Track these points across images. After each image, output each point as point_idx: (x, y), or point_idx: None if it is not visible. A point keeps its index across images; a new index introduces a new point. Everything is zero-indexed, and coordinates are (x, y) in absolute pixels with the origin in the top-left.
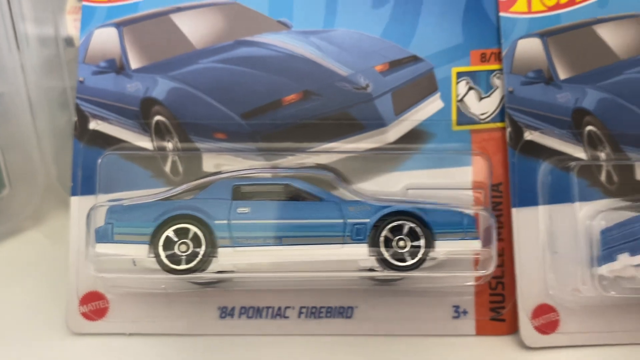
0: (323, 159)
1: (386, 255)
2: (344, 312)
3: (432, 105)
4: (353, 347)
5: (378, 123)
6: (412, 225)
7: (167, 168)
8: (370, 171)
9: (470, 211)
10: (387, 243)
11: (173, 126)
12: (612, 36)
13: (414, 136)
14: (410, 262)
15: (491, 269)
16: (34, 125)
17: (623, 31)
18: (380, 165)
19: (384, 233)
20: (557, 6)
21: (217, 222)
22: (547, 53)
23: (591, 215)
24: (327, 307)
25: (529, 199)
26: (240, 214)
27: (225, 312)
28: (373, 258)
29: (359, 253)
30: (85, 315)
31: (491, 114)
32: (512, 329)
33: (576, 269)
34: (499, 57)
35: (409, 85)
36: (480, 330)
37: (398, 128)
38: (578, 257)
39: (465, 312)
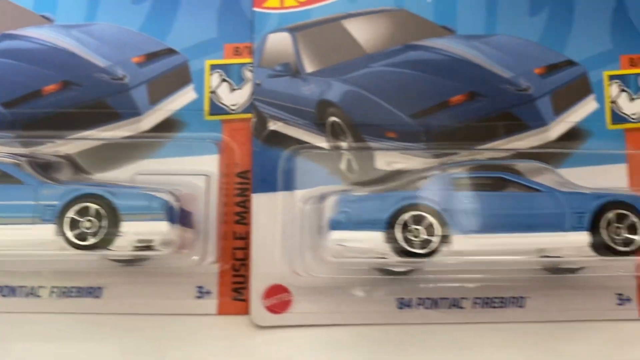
0: (79, 147)
1: (69, 235)
2: (94, 292)
3: (186, 96)
4: (102, 326)
5: (133, 112)
6: (97, 206)
7: None
8: (123, 159)
9: (161, 195)
10: (75, 224)
11: None
12: (360, 31)
13: (168, 125)
14: (91, 241)
15: (172, 249)
16: None
17: (371, 26)
18: (134, 153)
19: (70, 214)
20: (309, 2)
21: None
22: (295, 47)
23: (317, 200)
24: (77, 287)
25: (268, 186)
26: None
27: None
28: (60, 238)
29: (47, 233)
30: None
31: (242, 105)
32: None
33: (301, 252)
34: (251, 51)
35: (164, 76)
36: (222, 310)
37: (152, 117)
38: (304, 240)
39: (208, 293)
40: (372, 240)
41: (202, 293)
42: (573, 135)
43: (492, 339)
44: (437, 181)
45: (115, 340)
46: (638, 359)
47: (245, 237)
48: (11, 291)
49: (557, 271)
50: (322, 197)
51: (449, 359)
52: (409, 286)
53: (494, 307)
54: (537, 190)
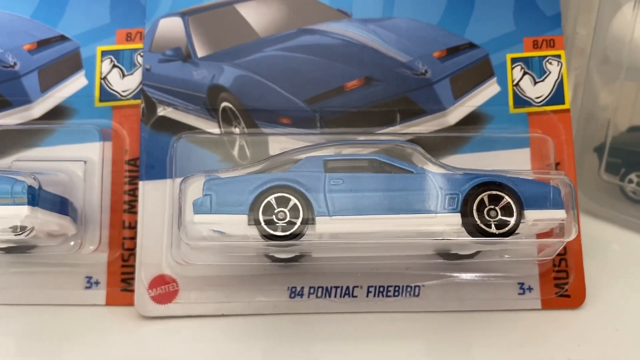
0: None
1: None
2: None
3: (76, 83)
4: None
5: (24, 100)
6: None
7: None
8: (12, 147)
9: (24, 179)
10: None
11: None
12: (253, 14)
13: (59, 112)
14: None
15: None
16: None
17: (265, 9)
18: (25, 140)
19: None
20: None
21: None
22: (187, 32)
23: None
24: None
25: (157, 173)
26: None
27: None
28: None
29: None
30: None
31: (133, 90)
32: None
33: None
34: (143, 37)
35: (55, 63)
36: (110, 301)
37: (43, 104)
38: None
39: (97, 283)
40: (236, 224)
41: (90, 283)
42: (473, 119)
43: (386, 329)
44: (307, 163)
45: (4, 331)
46: (540, 351)
47: (135, 227)
48: None
49: (450, 257)
50: (186, 181)
51: (342, 349)
52: (301, 274)
53: (389, 296)
54: (410, 172)
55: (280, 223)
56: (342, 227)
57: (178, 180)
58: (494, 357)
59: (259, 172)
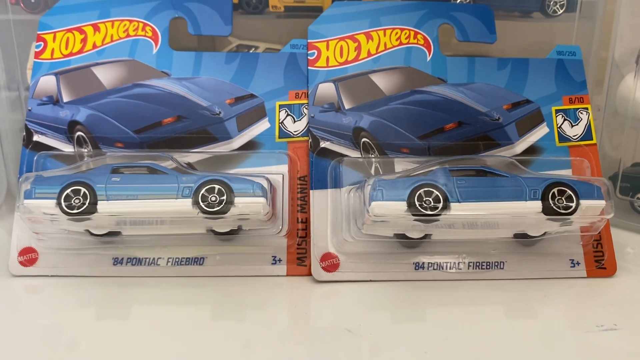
0: (195, 158)
1: (201, 204)
2: (199, 261)
3: (262, 126)
4: (204, 286)
5: (226, 137)
6: (219, 187)
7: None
8: (223, 167)
9: (260, 180)
10: (205, 197)
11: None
12: (381, 80)
13: (250, 145)
14: (216, 209)
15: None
16: (1, 146)
17: (389, 77)
18: (231, 163)
19: (201, 191)
20: (346, 62)
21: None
22: (337, 92)
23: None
24: (187, 257)
25: (321, 184)
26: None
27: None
28: (195, 207)
29: (185, 204)
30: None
31: (301, 131)
32: (311, 271)
33: (346, 228)
34: (307, 95)
35: (247, 112)
36: (290, 272)
37: (240, 140)
38: (347, 220)
39: (280, 260)
40: (399, 207)
41: (275, 260)
42: (532, 150)
43: (481, 291)
44: (439, 171)
45: (207, 298)
46: (586, 304)
47: (305, 222)
48: (138, 261)
49: (524, 237)
50: (362, 183)
51: (450, 304)
52: (422, 254)
53: (483, 269)
54: (506, 176)
55: (427, 206)
56: (466, 210)
57: (336, 189)
58: (559, 308)
59: (409, 176)
